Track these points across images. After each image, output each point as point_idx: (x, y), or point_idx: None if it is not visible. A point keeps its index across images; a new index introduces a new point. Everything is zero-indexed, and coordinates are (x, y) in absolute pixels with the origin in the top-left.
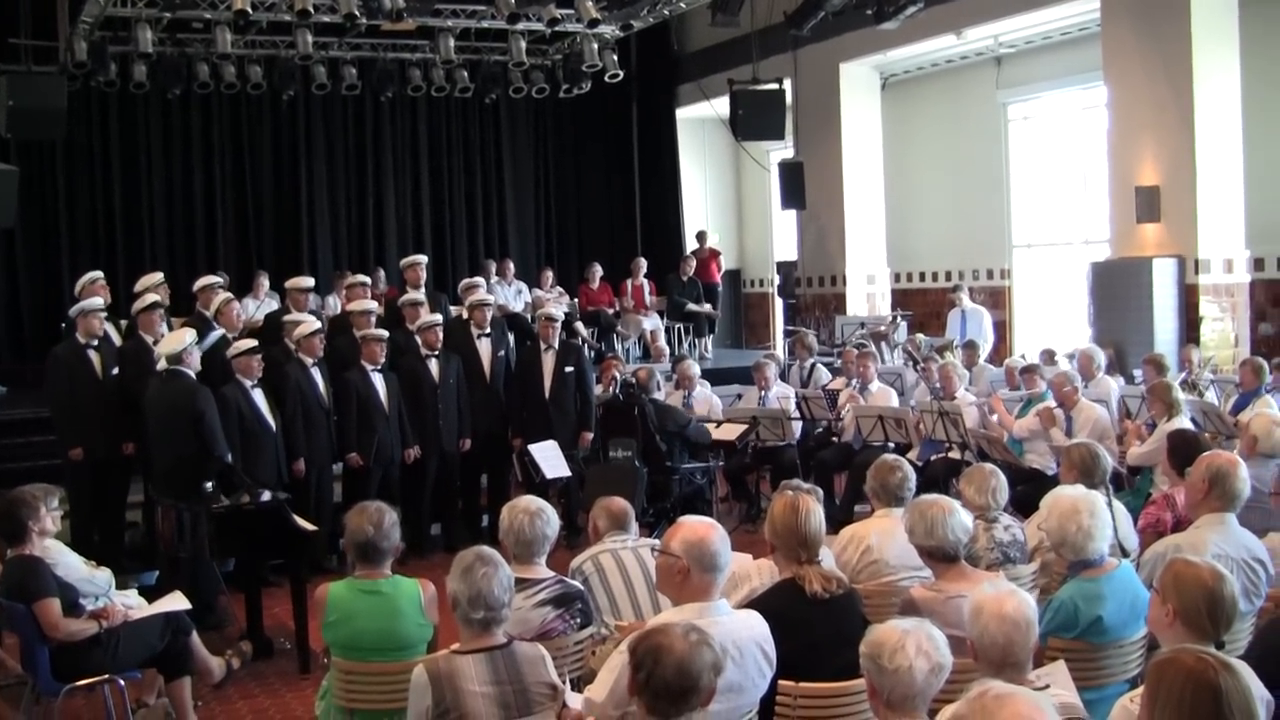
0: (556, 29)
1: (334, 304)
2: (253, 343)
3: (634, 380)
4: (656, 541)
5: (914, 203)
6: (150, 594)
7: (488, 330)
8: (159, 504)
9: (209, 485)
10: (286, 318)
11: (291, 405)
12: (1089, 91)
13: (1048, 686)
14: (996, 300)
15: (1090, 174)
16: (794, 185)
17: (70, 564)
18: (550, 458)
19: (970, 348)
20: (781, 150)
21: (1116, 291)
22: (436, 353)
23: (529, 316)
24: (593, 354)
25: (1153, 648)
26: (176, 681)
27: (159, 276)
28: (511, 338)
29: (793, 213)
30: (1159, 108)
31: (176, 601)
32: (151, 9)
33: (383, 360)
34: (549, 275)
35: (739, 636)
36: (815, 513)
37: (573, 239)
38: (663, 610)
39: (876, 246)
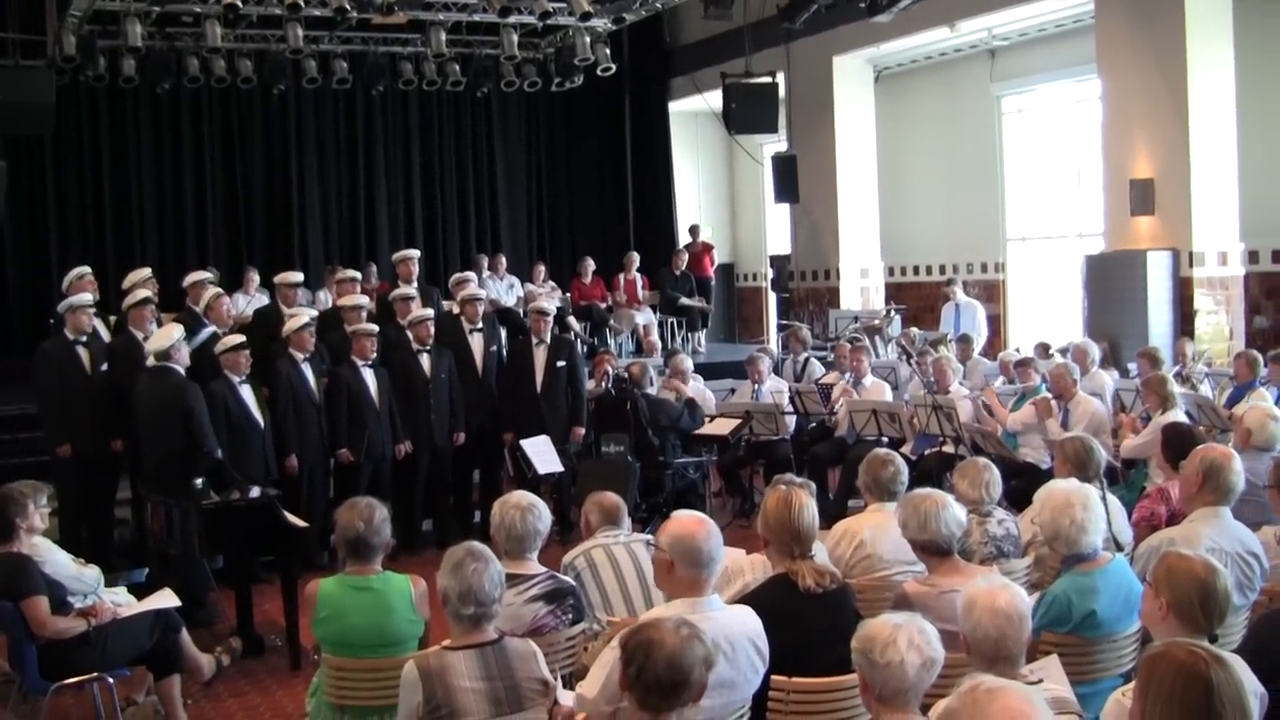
0: (548, 22)
1: (325, 299)
2: (240, 338)
3: (626, 375)
4: (649, 537)
5: (908, 196)
6: (139, 591)
7: (479, 325)
8: (148, 501)
9: (199, 481)
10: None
11: (283, 401)
12: (1083, 84)
13: (1041, 681)
14: (991, 294)
15: (1084, 167)
16: (787, 179)
17: (58, 561)
18: (542, 453)
19: (964, 341)
20: (774, 144)
21: (1111, 285)
22: (428, 348)
23: (521, 311)
24: (585, 349)
25: (1146, 642)
26: (166, 679)
27: (148, 272)
28: (503, 332)
29: (786, 206)
30: (1153, 100)
31: (166, 599)
32: (141, 2)
33: (374, 355)
34: (541, 269)
35: (731, 631)
36: (808, 507)
37: (565, 233)
38: (656, 606)
39: (870, 240)
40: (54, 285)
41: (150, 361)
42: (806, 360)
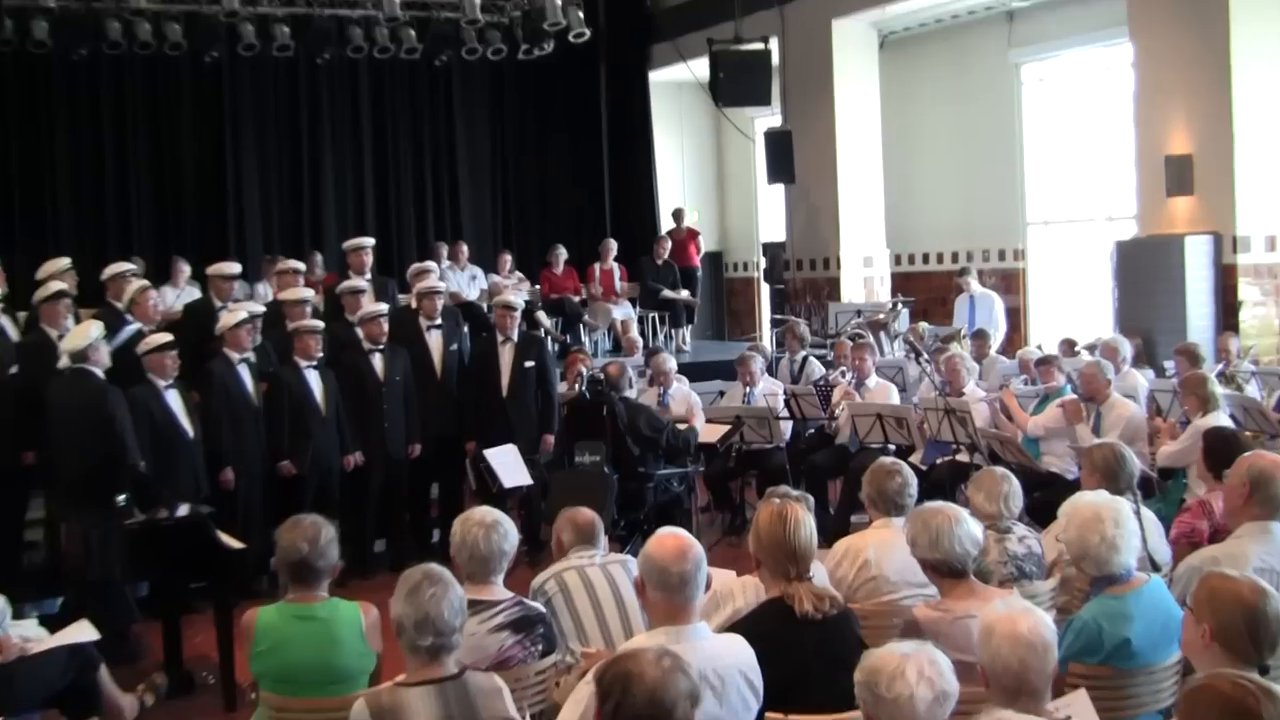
0: None
1: (264, 292)
2: (166, 337)
3: (603, 376)
4: (628, 558)
5: (916, 176)
6: (53, 624)
7: (438, 321)
8: (63, 520)
9: (122, 498)
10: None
11: (216, 407)
12: (1112, 49)
13: (1068, 719)
14: (1009, 284)
15: (1114, 142)
16: (781, 157)
17: None
18: (509, 464)
19: (980, 337)
20: (767, 118)
21: (1144, 274)
22: (381, 347)
23: (485, 305)
24: (556, 347)
25: (1188, 673)
26: None
27: (65, 262)
28: (466, 329)
29: (780, 188)
30: (1191, 67)
31: (83, 632)
32: None
33: (320, 356)
34: (507, 259)
35: (720, 663)
36: (805, 523)
37: (534, 219)
38: (636, 635)
39: (874, 225)
40: None
41: (65, 363)
42: (804, 359)
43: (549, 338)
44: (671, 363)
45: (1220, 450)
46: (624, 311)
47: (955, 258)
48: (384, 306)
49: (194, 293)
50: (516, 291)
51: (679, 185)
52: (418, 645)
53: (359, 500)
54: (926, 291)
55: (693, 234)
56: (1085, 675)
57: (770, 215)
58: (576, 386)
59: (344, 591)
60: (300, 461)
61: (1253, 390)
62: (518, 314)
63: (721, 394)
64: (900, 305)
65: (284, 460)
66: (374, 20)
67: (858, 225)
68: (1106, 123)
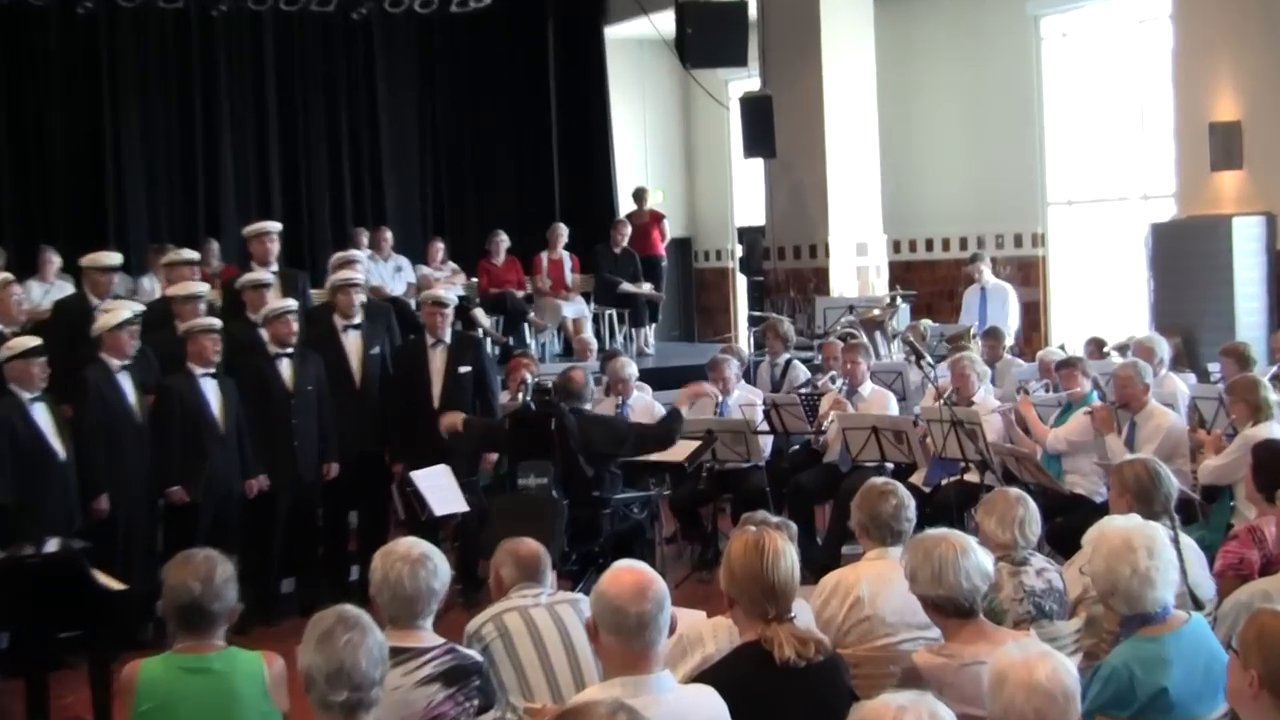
0: None
1: (150, 287)
2: (34, 341)
3: (551, 385)
4: (580, 597)
5: (918, 149)
6: None
7: (357, 320)
8: None
9: None
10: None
11: (91, 422)
12: None
13: None
14: (1027, 274)
15: (1150, 107)
16: (760, 127)
17: None
18: (440, 488)
19: (992, 337)
20: (744, 81)
21: (1184, 261)
22: (289, 351)
23: (412, 302)
24: (497, 350)
25: None
26: None
27: None
28: (391, 329)
29: (759, 163)
30: (1241, 18)
31: None
32: None
33: (217, 361)
34: (439, 247)
35: (687, 719)
36: (786, 555)
37: (470, 200)
38: (589, 686)
39: (869, 206)
40: None
41: None
42: (787, 363)
43: (488, 339)
44: (631, 368)
45: (1272, 467)
46: (576, 308)
47: (964, 244)
48: (293, 303)
49: (66, 288)
50: (449, 285)
51: (640, 161)
52: (330, 701)
53: (263, 532)
54: (930, 283)
55: (656, 217)
56: None
57: (747, 195)
58: (520, 396)
59: (244, 640)
60: (193, 486)
61: None
62: (451, 312)
63: (690, 405)
64: (899, 300)
65: (174, 485)
66: None
67: (850, 206)
68: (1141, 85)
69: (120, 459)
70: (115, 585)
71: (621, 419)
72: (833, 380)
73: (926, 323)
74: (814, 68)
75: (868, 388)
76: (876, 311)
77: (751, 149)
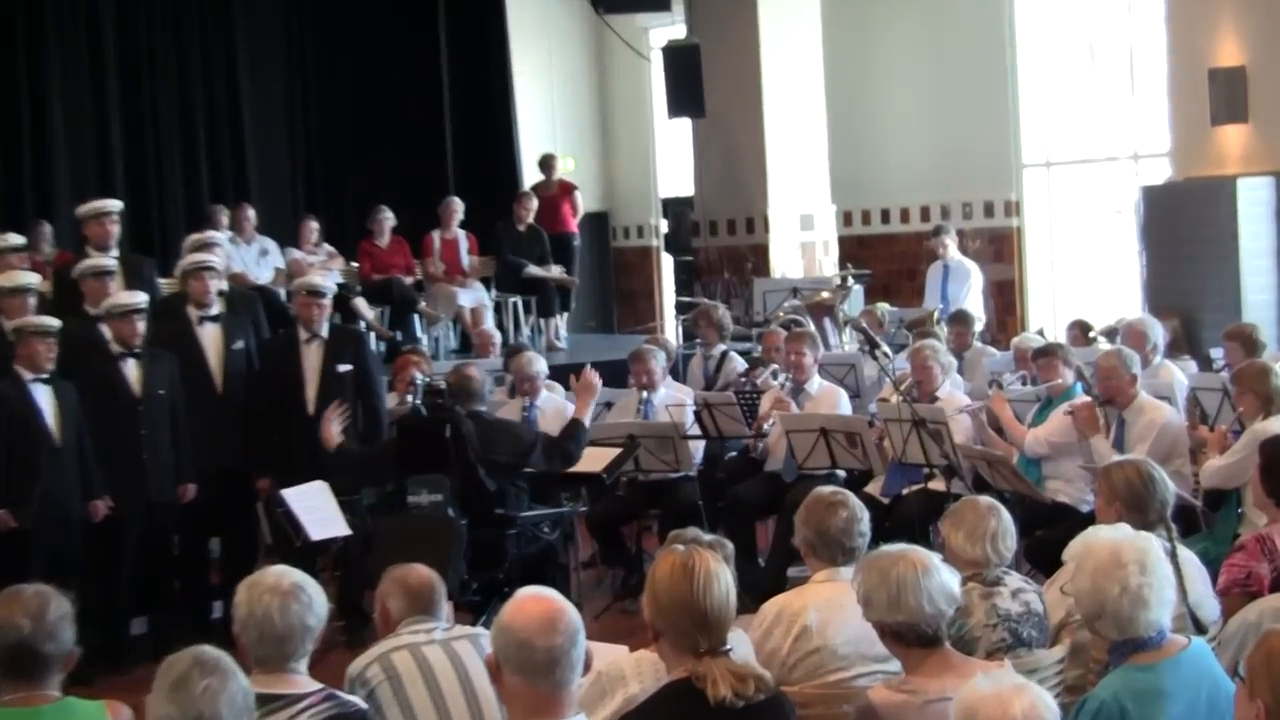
0: None
1: None
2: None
3: (445, 385)
4: (481, 631)
5: (873, 106)
6: None
7: (214, 311)
8: None
9: None
10: None
11: None
12: None
13: None
14: (1000, 249)
15: (1140, 52)
16: (687, 82)
17: None
18: (317, 508)
19: (960, 322)
20: (667, 29)
21: (1182, 230)
22: (137, 350)
23: (282, 291)
24: (382, 346)
25: None
26: None
27: None
28: (258, 322)
29: (685, 125)
30: None
31: None
32: None
33: (50, 364)
34: (312, 227)
35: None
36: (720, 578)
37: (348, 171)
38: None
39: (815, 173)
40: None
41: None
42: (722, 356)
43: (371, 333)
44: (540, 364)
45: None
46: (474, 296)
47: (926, 215)
48: (140, 295)
49: None
50: (325, 271)
51: (548, 123)
52: None
53: (109, 562)
54: (887, 261)
55: (567, 189)
56: None
57: (673, 162)
58: (409, 399)
59: (86, 690)
60: (23, 511)
61: None
62: (328, 302)
63: (609, 406)
64: (851, 281)
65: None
66: None
67: (792, 173)
68: (1130, 27)
69: None
70: None
71: (527, 426)
72: (774, 375)
73: (883, 307)
74: (748, 11)
75: (815, 383)
76: (825, 294)
77: (677, 108)
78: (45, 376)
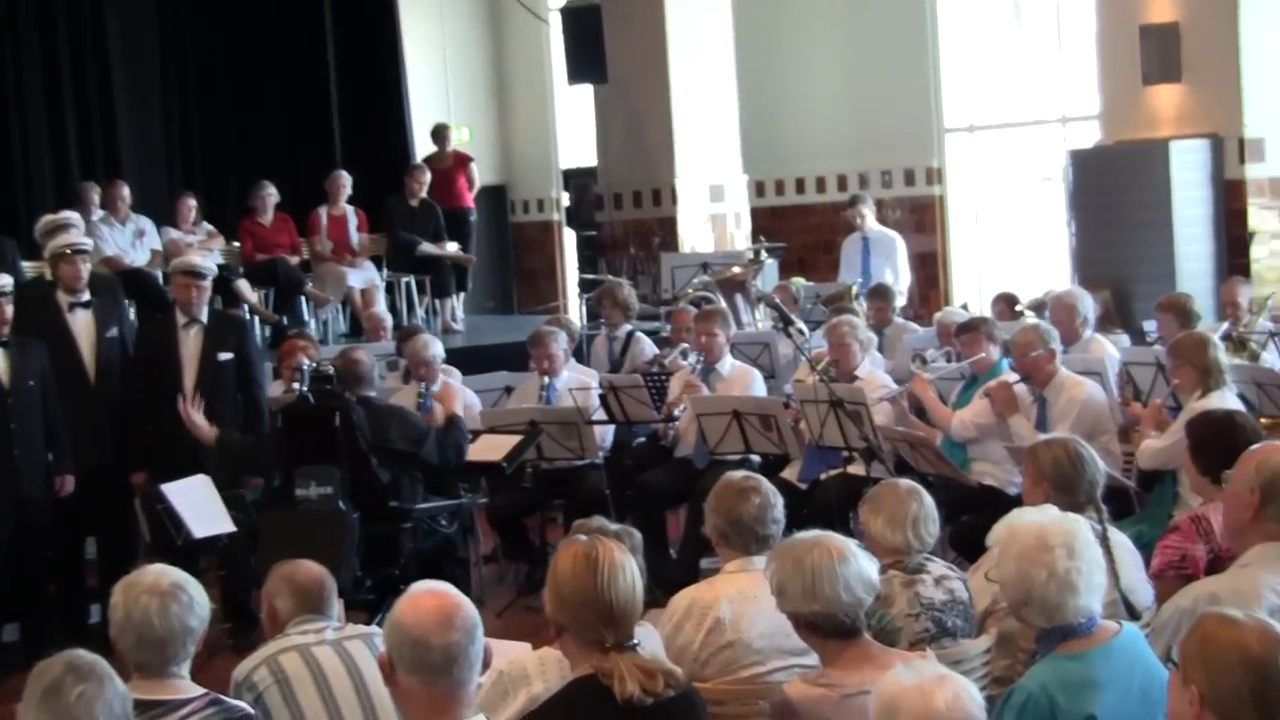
0: None
1: None
2: None
3: (333, 371)
4: (375, 630)
5: (786, 70)
6: None
7: (85, 296)
8: None
9: None
10: None
11: None
12: None
13: None
14: (921, 219)
15: (1067, 9)
16: (588, 46)
17: None
18: (199, 504)
19: (879, 296)
20: None
21: (1113, 197)
22: (4, 339)
23: (158, 273)
24: (267, 331)
25: None
26: None
27: None
28: (130, 308)
29: (587, 91)
30: None
31: None
32: None
33: None
34: (190, 205)
35: None
36: (625, 569)
37: (228, 144)
38: None
39: (726, 141)
40: None
41: None
42: (629, 336)
43: (254, 317)
44: (436, 348)
45: (1214, 444)
46: (364, 276)
47: (843, 184)
48: (6, 279)
49: None
50: (205, 252)
51: (441, 91)
52: None
53: None
54: (803, 233)
55: (462, 161)
56: None
57: (574, 131)
58: (295, 386)
59: None
60: None
61: (1271, 357)
62: (208, 284)
63: (509, 390)
64: (765, 254)
65: None
66: None
67: (701, 142)
68: None
69: None
70: None
71: (422, 413)
72: (684, 355)
73: (798, 281)
74: None
75: (727, 364)
76: (737, 269)
77: (577, 73)
78: None
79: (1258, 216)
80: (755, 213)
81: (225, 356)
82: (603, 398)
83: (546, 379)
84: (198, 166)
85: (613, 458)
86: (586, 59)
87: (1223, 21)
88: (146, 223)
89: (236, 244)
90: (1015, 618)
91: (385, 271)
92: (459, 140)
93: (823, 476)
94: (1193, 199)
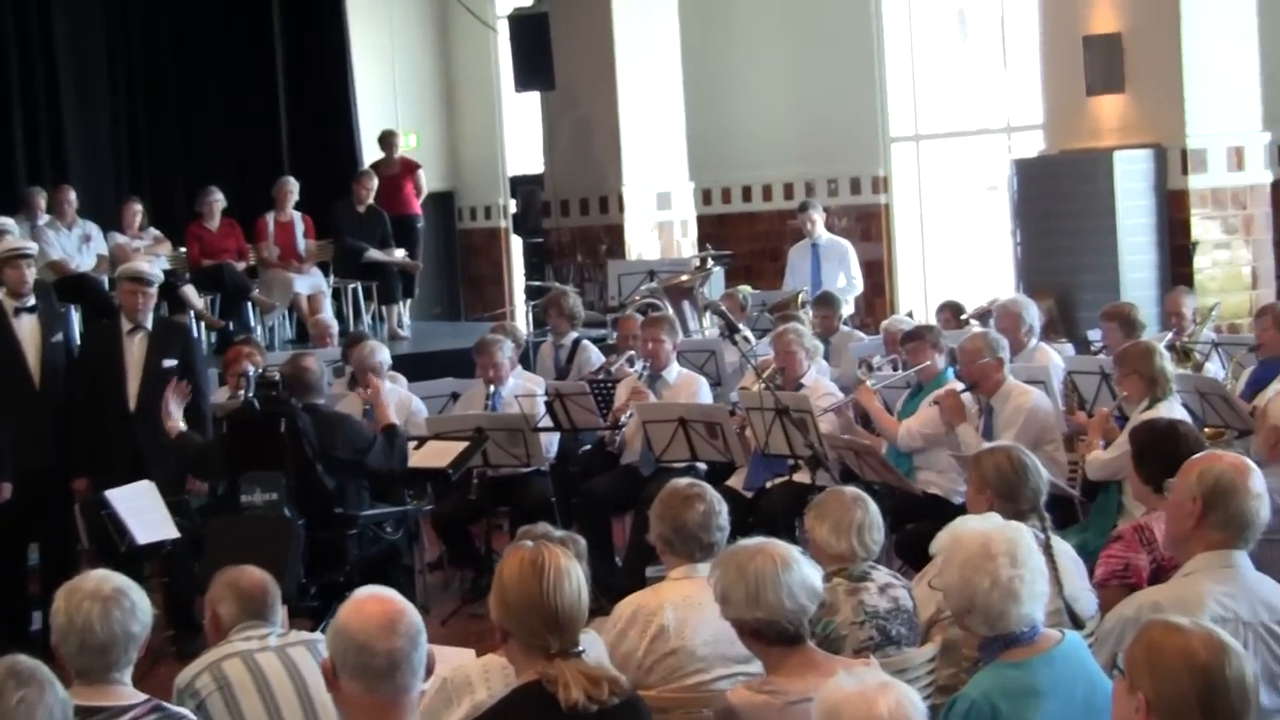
0: None
1: None
2: None
3: (279, 378)
4: (319, 637)
5: (732, 78)
6: None
7: (30, 301)
8: None
9: None
10: None
11: None
12: None
13: None
14: (867, 227)
15: (1012, 19)
16: (535, 53)
17: None
18: (142, 510)
19: (825, 304)
20: None
21: (1057, 205)
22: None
23: (104, 279)
24: (214, 337)
25: None
26: None
27: None
28: (75, 314)
29: (535, 98)
30: None
31: None
32: None
33: None
34: (135, 210)
35: None
36: (571, 575)
37: (175, 148)
38: None
39: (673, 148)
40: None
41: None
42: (575, 343)
43: (200, 323)
44: (382, 354)
45: (1157, 453)
46: (311, 283)
47: (790, 192)
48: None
49: None
50: (151, 257)
51: (388, 97)
52: None
53: None
54: (749, 241)
55: (409, 168)
56: None
57: (522, 138)
58: (241, 394)
59: None
60: None
61: (1215, 368)
62: (154, 290)
63: (455, 397)
64: (711, 262)
65: None
66: None
67: (648, 149)
68: None
69: None
70: None
71: (364, 423)
72: (630, 363)
73: (745, 289)
74: None
75: (673, 371)
76: (684, 277)
77: (525, 81)
78: None
79: (1200, 226)
80: (702, 220)
81: (170, 363)
82: (549, 405)
83: (493, 387)
84: (145, 171)
85: (559, 465)
86: (534, 66)
87: (1165, 32)
88: (93, 228)
89: (183, 249)
90: (959, 626)
91: (332, 278)
92: (406, 147)
93: (768, 484)
94: (1136, 209)
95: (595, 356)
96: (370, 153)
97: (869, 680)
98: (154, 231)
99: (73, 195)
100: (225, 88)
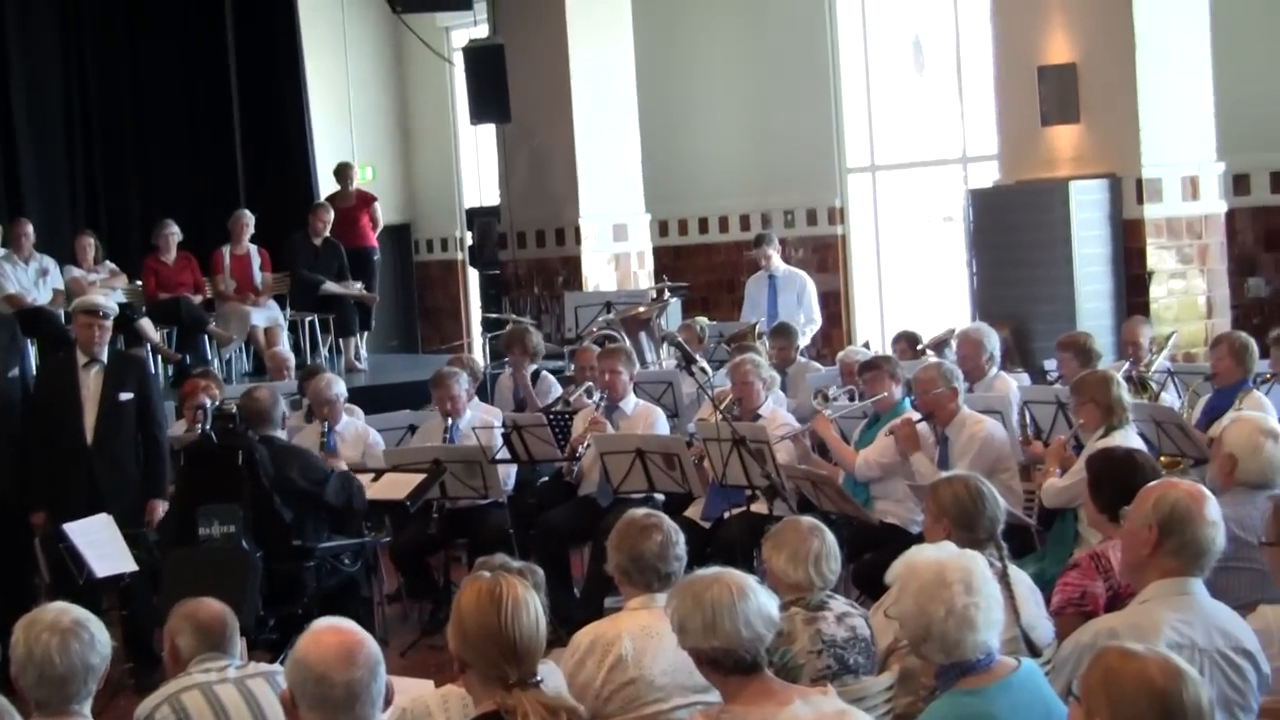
0: None
1: None
2: None
3: (236, 410)
4: (278, 669)
5: (689, 109)
6: None
7: None
8: None
9: None
10: None
11: None
12: None
13: None
14: (824, 258)
15: (967, 51)
16: (491, 85)
17: None
18: (100, 543)
19: (782, 335)
20: (468, 28)
21: (1013, 235)
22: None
23: (60, 312)
24: (170, 369)
25: None
26: None
27: None
28: (30, 348)
29: (491, 129)
30: None
31: None
32: None
33: None
34: (89, 243)
35: None
36: (529, 605)
37: (131, 182)
38: None
39: (629, 180)
40: None
41: None
42: (534, 375)
43: (157, 356)
44: (339, 387)
45: (1112, 481)
46: (268, 315)
47: (746, 223)
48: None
49: None
50: (107, 290)
51: (344, 130)
52: None
53: None
54: (706, 272)
55: (365, 200)
56: None
57: (478, 170)
58: (199, 427)
59: None
60: None
61: (1170, 397)
62: (109, 323)
63: (412, 429)
64: (668, 294)
65: None
66: None
67: (604, 180)
68: (955, 24)
69: None
70: None
71: (320, 456)
72: (588, 394)
73: (702, 321)
74: (555, 9)
75: (631, 402)
76: (641, 308)
77: (480, 113)
78: None
79: (1156, 256)
80: (658, 252)
81: (126, 396)
82: (506, 436)
83: (450, 419)
84: (101, 204)
85: (516, 496)
86: (489, 98)
87: (1120, 62)
88: (50, 261)
89: (139, 283)
90: (915, 654)
91: (288, 310)
92: (362, 179)
93: (726, 515)
94: (1092, 238)
95: (552, 387)
96: (326, 185)
97: (826, 709)
98: (110, 265)
99: (30, 229)
100: (181, 121)
